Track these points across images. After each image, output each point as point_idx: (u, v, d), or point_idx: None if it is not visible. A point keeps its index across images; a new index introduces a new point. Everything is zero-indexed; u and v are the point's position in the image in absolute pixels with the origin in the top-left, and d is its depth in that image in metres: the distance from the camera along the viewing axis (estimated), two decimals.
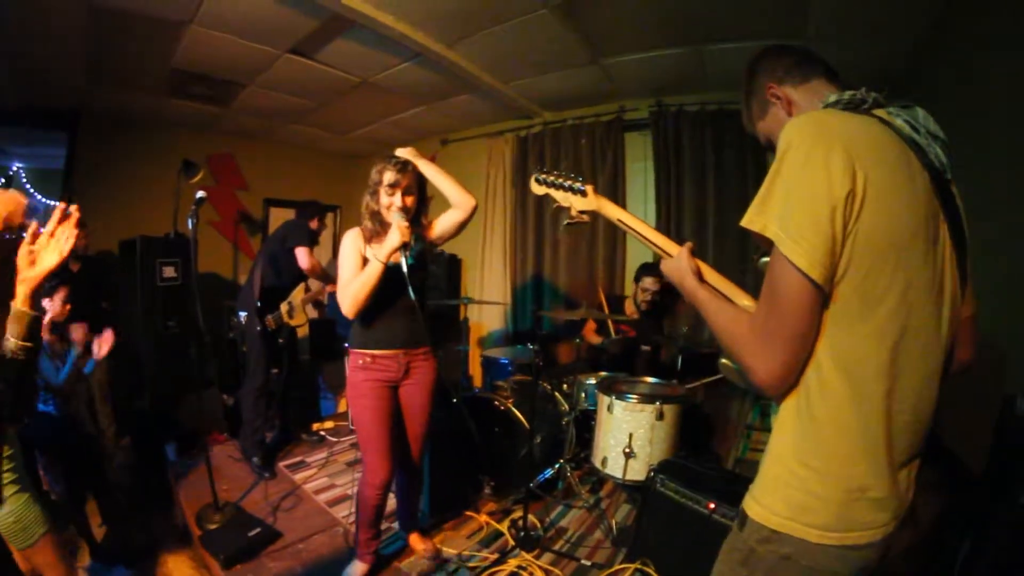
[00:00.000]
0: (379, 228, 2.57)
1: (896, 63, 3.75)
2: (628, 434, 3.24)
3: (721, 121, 4.58)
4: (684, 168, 4.76)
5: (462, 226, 2.71)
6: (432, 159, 6.09)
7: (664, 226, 4.81)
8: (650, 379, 3.70)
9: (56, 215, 1.51)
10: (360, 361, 2.65)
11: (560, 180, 1.70)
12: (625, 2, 3.39)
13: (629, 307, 4.49)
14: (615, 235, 5.13)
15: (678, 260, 1.44)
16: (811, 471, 1.10)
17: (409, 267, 2.46)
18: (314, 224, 4.43)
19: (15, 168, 7.69)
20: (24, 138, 6.35)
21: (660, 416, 3.22)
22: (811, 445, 1.11)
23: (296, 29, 3.84)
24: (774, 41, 3.40)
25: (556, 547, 3.11)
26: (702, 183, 4.69)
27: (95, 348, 3.45)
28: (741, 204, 4.29)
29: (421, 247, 2.64)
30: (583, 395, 3.88)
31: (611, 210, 1.65)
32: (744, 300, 1.35)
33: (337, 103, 5.46)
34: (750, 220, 1.12)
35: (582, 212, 1.68)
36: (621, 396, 3.32)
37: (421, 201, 2.64)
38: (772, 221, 1.08)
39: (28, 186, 7.77)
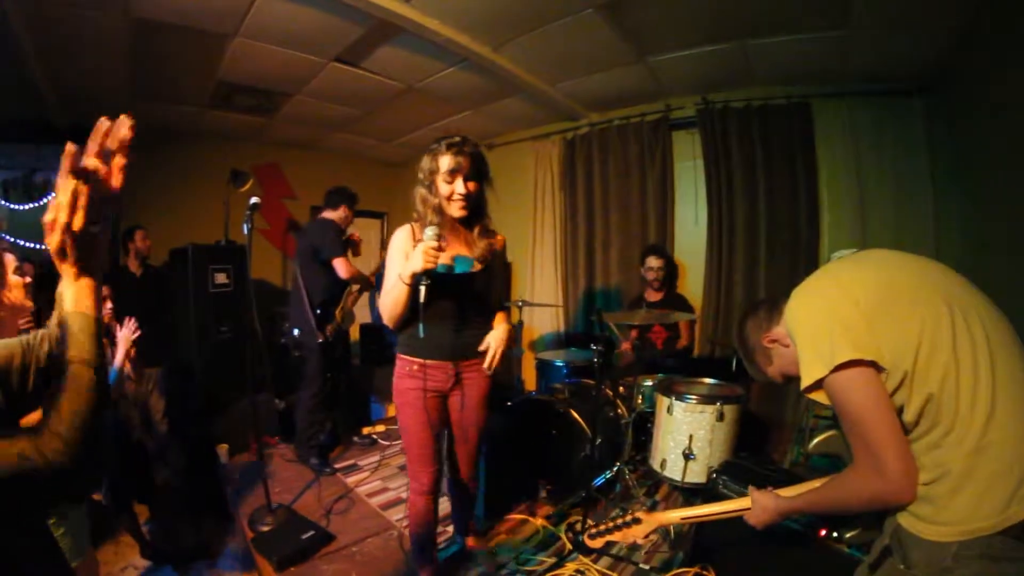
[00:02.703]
0: (442, 222, 2.24)
1: (934, 58, 3.67)
2: (688, 436, 3.18)
3: (768, 117, 4.49)
4: (733, 165, 4.67)
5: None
6: None
7: (716, 224, 4.74)
8: (708, 380, 3.61)
9: (98, 131, 0.98)
10: (407, 368, 2.42)
11: (612, 525, 1.77)
12: None
13: (649, 294, 4.64)
14: (666, 236, 5.07)
15: (757, 503, 1.58)
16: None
17: (469, 274, 2.33)
18: (340, 214, 4.32)
19: None
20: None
21: (720, 417, 3.14)
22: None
23: (342, 37, 3.87)
24: (818, 34, 3.44)
25: (614, 551, 3.03)
26: (752, 180, 4.60)
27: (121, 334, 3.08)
28: (792, 199, 4.29)
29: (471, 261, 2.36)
30: (640, 397, 3.81)
31: (670, 516, 1.80)
32: (818, 483, 1.50)
33: (382, 110, 5.51)
34: (807, 388, 1.29)
35: (647, 535, 1.76)
36: (681, 397, 3.25)
37: (482, 193, 2.33)
38: (811, 370, 1.26)
39: None
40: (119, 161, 0.99)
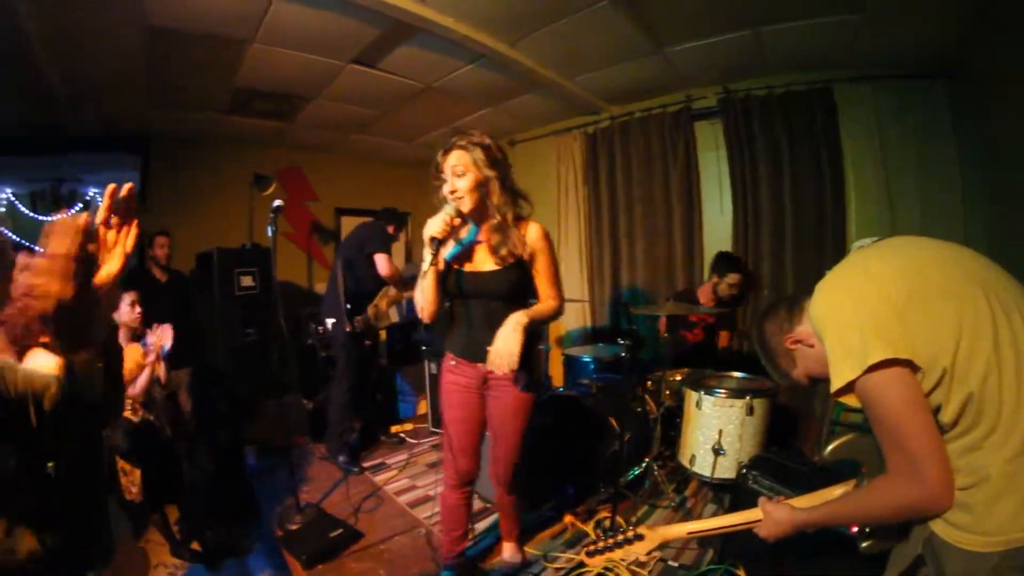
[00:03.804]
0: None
1: (955, 40, 3.56)
2: (717, 430, 3.13)
3: (790, 104, 4.39)
4: (757, 154, 4.57)
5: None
6: None
7: (742, 215, 4.66)
8: (737, 374, 3.56)
9: (106, 198, 1.01)
10: (446, 363, 2.51)
11: (612, 542, 1.67)
12: None
13: (704, 296, 4.39)
14: (692, 228, 5.00)
15: (770, 516, 1.50)
16: None
17: (480, 272, 2.30)
18: (391, 229, 4.49)
19: (91, 194, 8.12)
20: (97, 165, 6.67)
21: (750, 411, 3.09)
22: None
23: (358, 39, 3.86)
24: (832, 19, 3.41)
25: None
26: (777, 169, 4.49)
27: (151, 338, 3.32)
28: (818, 187, 4.21)
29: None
30: (668, 392, 3.76)
31: (675, 531, 1.68)
32: (837, 490, 1.50)
33: (402, 111, 5.50)
34: (837, 391, 1.22)
35: (651, 552, 1.67)
36: (710, 391, 3.21)
37: (484, 186, 2.23)
38: (842, 371, 1.18)
39: None
40: (130, 228, 1.00)
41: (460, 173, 2.19)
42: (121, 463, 2.97)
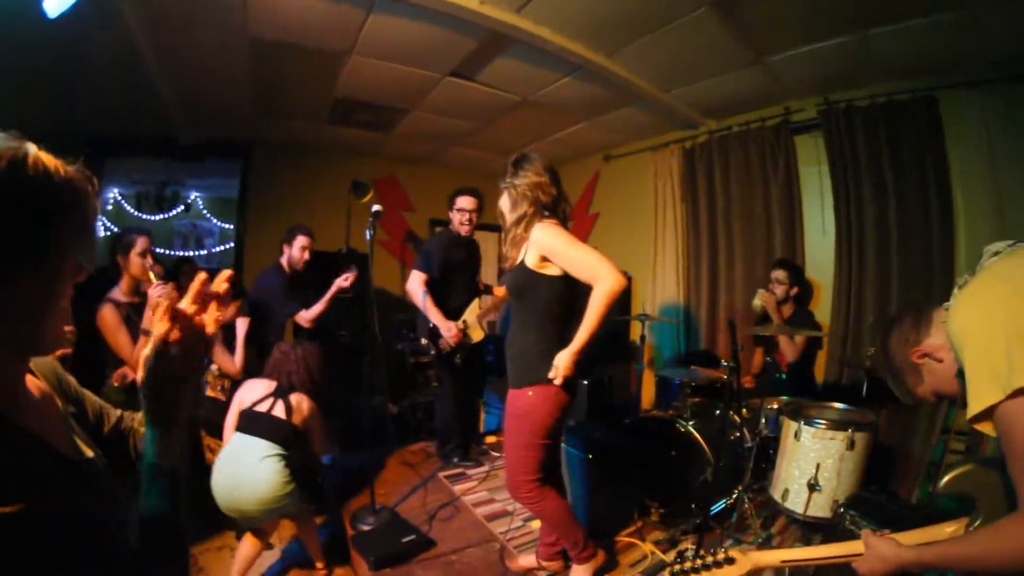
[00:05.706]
0: None
1: None
2: (815, 464, 2.89)
3: (893, 114, 4.05)
4: (861, 167, 4.24)
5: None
6: (595, 177, 5.96)
7: (845, 234, 4.33)
8: (838, 404, 3.30)
9: (195, 285, 0.94)
10: None
11: (699, 563, 1.56)
12: None
13: (777, 313, 4.21)
14: (794, 247, 4.72)
15: (873, 550, 1.34)
16: None
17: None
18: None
19: (192, 197, 8.75)
20: (200, 170, 7.15)
21: (851, 445, 2.83)
22: None
23: (455, 51, 3.93)
24: (943, 16, 3.14)
25: None
26: (881, 184, 4.16)
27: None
28: (923, 204, 3.86)
29: None
30: (764, 420, 3.53)
31: (769, 557, 1.57)
32: (947, 528, 1.37)
33: (498, 123, 5.57)
34: (976, 416, 1.09)
35: None
36: (810, 422, 2.97)
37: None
38: (983, 394, 1.05)
39: (205, 212, 9.09)
40: (214, 311, 0.96)
41: None
42: (208, 440, 3.12)
